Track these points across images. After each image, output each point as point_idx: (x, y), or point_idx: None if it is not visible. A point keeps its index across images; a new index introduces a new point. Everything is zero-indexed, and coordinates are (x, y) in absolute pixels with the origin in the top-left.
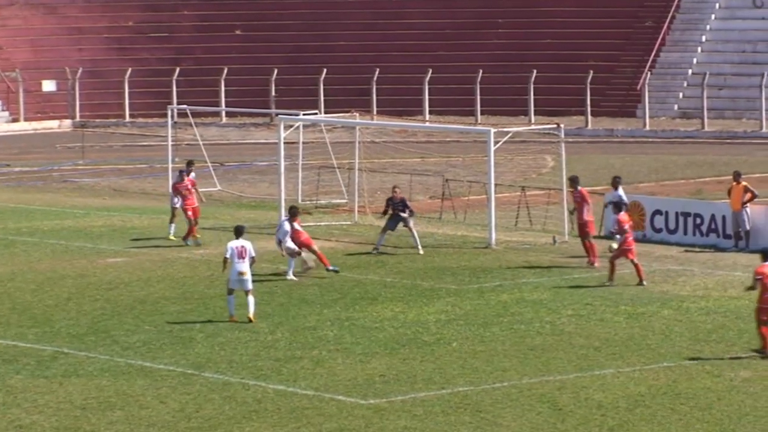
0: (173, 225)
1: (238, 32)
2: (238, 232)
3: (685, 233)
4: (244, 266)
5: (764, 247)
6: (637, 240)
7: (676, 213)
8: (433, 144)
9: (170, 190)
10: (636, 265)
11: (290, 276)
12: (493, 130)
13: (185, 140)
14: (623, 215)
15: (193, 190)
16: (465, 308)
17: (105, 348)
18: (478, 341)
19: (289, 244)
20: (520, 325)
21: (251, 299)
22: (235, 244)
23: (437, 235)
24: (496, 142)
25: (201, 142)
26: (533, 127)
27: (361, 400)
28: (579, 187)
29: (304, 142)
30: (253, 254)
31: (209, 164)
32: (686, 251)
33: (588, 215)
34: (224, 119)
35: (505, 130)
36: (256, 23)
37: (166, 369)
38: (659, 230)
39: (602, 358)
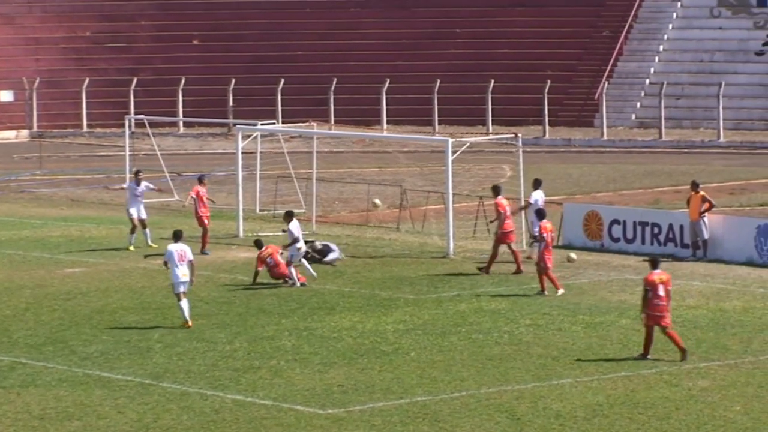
0: (134, 236)
1: (196, 42)
2: (177, 236)
3: (643, 243)
4: (185, 269)
5: (653, 256)
6: (595, 249)
7: (634, 222)
8: (389, 154)
9: (127, 198)
10: (550, 277)
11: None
12: (450, 140)
13: (143, 150)
14: (546, 223)
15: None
16: (423, 318)
17: (63, 358)
18: (437, 351)
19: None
20: (479, 334)
21: (185, 303)
22: (175, 248)
23: (395, 245)
24: (453, 152)
25: (159, 152)
26: (491, 136)
27: (320, 410)
28: (498, 197)
29: (262, 152)
30: (191, 258)
31: (167, 174)
32: (644, 260)
33: (507, 225)
34: (182, 129)
35: (463, 140)
36: (213, 33)
37: (124, 379)
38: (617, 240)
39: (560, 367)
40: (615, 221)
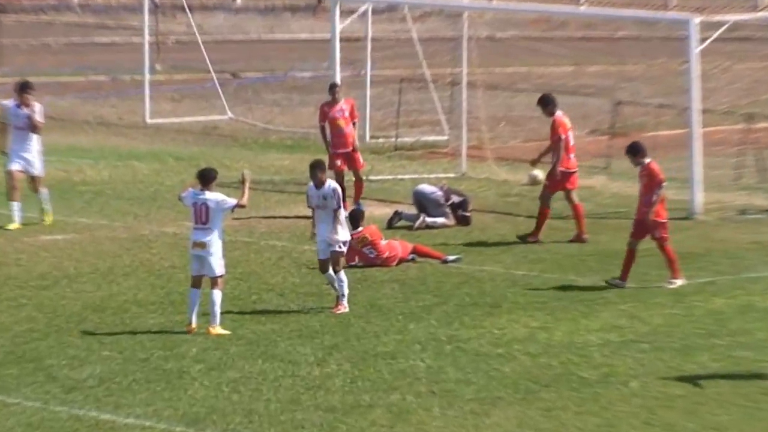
0: (17, 204)
1: None
2: (204, 178)
3: None
4: (205, 235)
5: None
6: None
7: None
8: (589, 42)
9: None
10: None
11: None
12: (697, 19)
13: (173, 34)
14: None
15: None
16: (651, 322)
17: (35, 388)
18: (675, 380)
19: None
20: (747, 351)
21: (216, 295)
22: (193, 197)
23: (602, 196)
24: (702, 39)
25: (199, 38)
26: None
27: None
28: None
29: (374, 39)
30: (227, 206)
31: (214, 76)
32: None
33: None
34: (239, 0)
35: (720, 19)
36: None
37: (138, 424)
38: None
39: None
40: None
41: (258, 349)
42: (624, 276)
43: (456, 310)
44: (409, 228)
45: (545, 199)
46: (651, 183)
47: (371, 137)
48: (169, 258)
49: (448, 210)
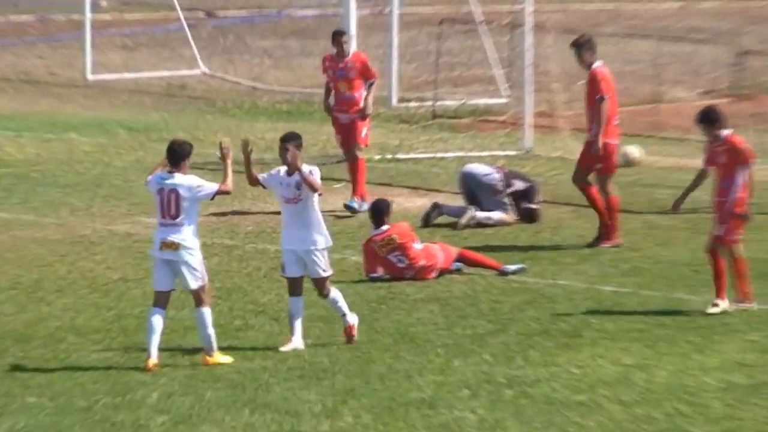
0: None
1: None
2: (174, 155)
3: None
4: (176, 232)
5: None
6: None
7: None
8: None
9: None
10: None
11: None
12: None
13: None
14: None
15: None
16: None
17: None
18: None
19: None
20: None
21: (204, 314)
22: (158, 182)
23: None
24: None
25: None
26: None
27: None
28: None
29: None
30: (204, 193)
31: (181, 15)
32: None
33: None
34: None
35: None
36: None
37: None
38: None
39: None
40: None
41: (243, 395)
42: (741, 294)
43: (519, 342)
44: (453, 226)
45: (604, 183)
46: (735, 161)
47: (400, 100)
48: (120, 267)
49: (507, 201)
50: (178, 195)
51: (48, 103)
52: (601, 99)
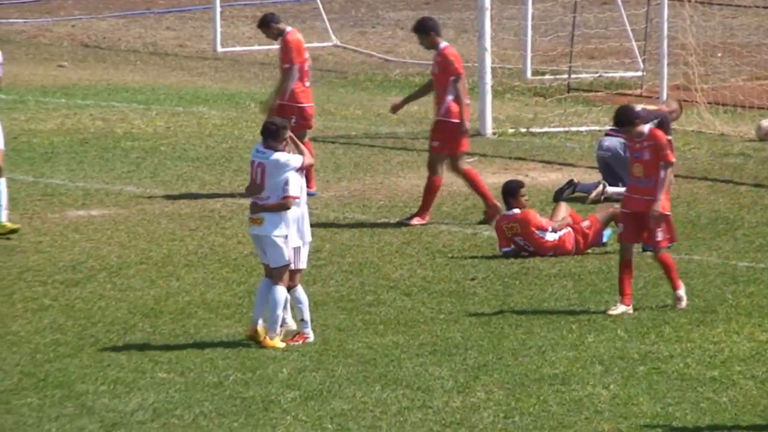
0: None
1: None
2: (269, 132)
3: None
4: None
5: None
6: None
7: None
8: None
9: None
10: None
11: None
12: None
13: None
14: None
15: None
16: None
17: (63, 425)
18: None
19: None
20: None
21: (276, 293)
22: (253, 154)
23: None
24: None
25: None
26: None
27: None
28: None
29: None
30: (290, 167)
31: None
32: None
33: None
34: None
35: None
36: None
37: None
38: None
39: None
40: None
41: (375, 371)
42: None
43: (652, 318)
44: (583, 200)
45: None
46: (658, 157)
47: (534, 73)
48: (250, 243)
49: None
50: (264, 170)
51: (177, 76)
52: None
